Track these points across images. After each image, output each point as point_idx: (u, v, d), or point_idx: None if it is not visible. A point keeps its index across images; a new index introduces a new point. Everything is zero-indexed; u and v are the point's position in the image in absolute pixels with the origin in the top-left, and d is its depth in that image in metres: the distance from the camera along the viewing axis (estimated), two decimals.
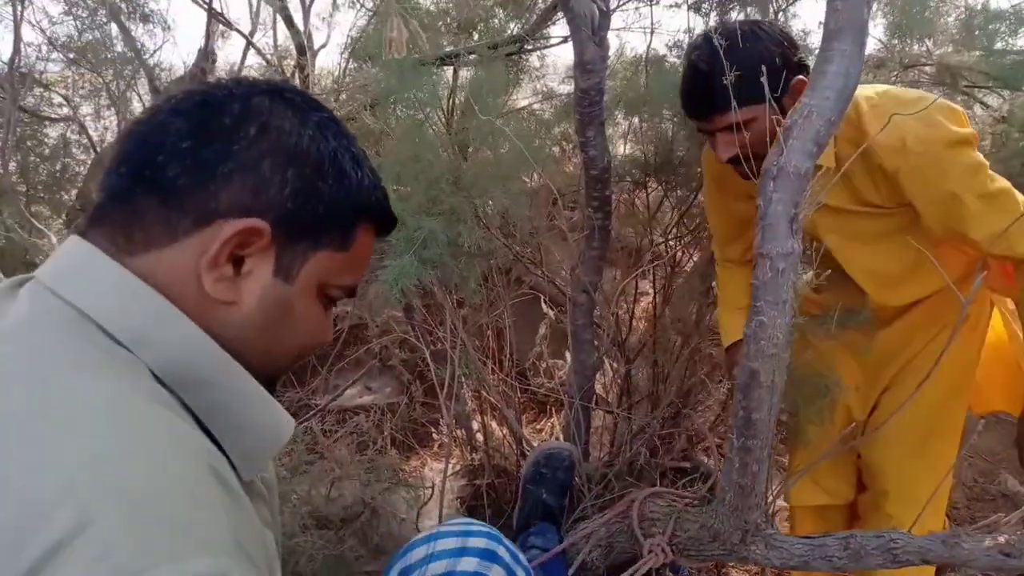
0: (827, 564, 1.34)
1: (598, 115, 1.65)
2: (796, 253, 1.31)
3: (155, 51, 2.76)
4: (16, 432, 0.49)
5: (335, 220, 0.69)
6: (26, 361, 0.54)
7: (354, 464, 1.71)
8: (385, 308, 2.74)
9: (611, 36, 1.65)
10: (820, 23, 1.42)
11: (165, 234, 0.61)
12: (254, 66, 2.99)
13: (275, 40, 2.73)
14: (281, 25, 2.65)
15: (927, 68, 3.14)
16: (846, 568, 1.34)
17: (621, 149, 2.34)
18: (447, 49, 2.14)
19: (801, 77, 1.41)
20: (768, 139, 1.29)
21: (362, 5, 2.65)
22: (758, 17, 2.18)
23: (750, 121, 1.35)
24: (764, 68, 1.26)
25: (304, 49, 2.48)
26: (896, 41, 3.04)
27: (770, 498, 1.46)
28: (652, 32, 2.29)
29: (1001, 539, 1.17)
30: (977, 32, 3.42)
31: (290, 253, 0.66)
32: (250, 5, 3.26)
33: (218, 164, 0.62)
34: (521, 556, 1.21)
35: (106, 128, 2.95)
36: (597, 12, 1.55)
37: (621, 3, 2.27)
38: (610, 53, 1.68)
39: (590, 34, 1.55)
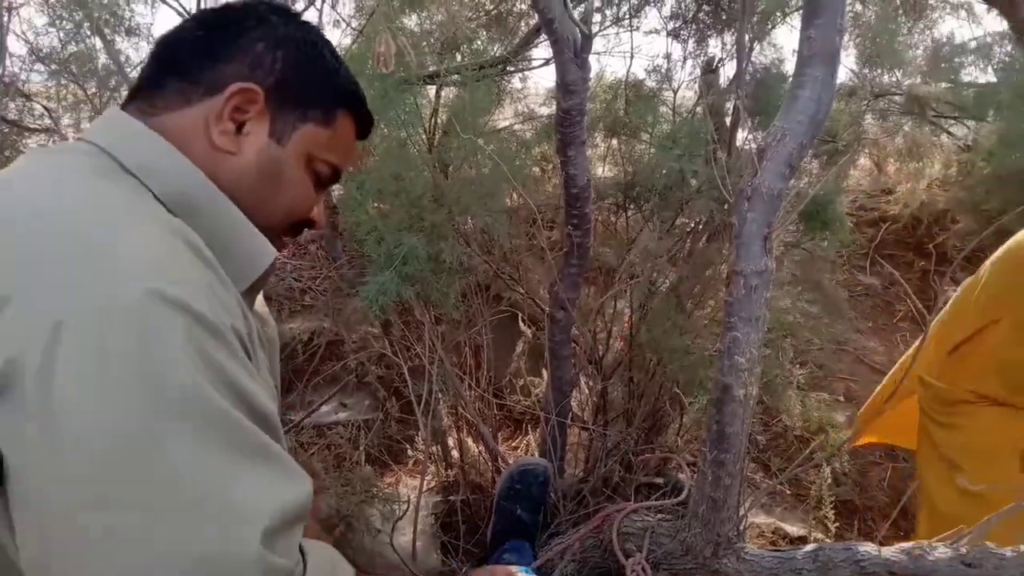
0: None
1: (579, 135, 1.68)
2: (769, 271, 1.35)
3: (139, 64, 2.76)
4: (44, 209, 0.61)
5: (318, 96, 0.83)
6: (56, 168, 0.68)
7: (329, 477, 1.70)
8: (362, 324, 2.75)
9: (592, 59, 1.69)
10: (794, 51, 1.48)
11: (181, 101, 0.76)
12: None
13: None
14: None
15: (896, 97, 3.24)
16: None
17: (600, 171, 2.38)
18: (431, 69, 2.17)
19: None
20: None
21: (348, 24, 2.68)
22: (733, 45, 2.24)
23: None
24: None
25: None
26: (867, 71, 3.14)
27: (742, 512, 1.48)
28: (632, 57, 2.35)
29: (963, 550, 1.21)
30: (944, 64, 3.55)
31: (282, 120, 0.80)
32: None
33: (223, 47, 0.78)
34: None
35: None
36: (579, 35, 1.59)
37: (603, 28, 2.33)
38: (591, 75, 1.72)
39: (572, 56, 1.59)
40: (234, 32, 0.79)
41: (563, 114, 1.65)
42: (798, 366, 2.02)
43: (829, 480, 2.16)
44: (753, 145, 1.77)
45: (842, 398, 2.81)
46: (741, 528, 1.48)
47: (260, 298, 0.90)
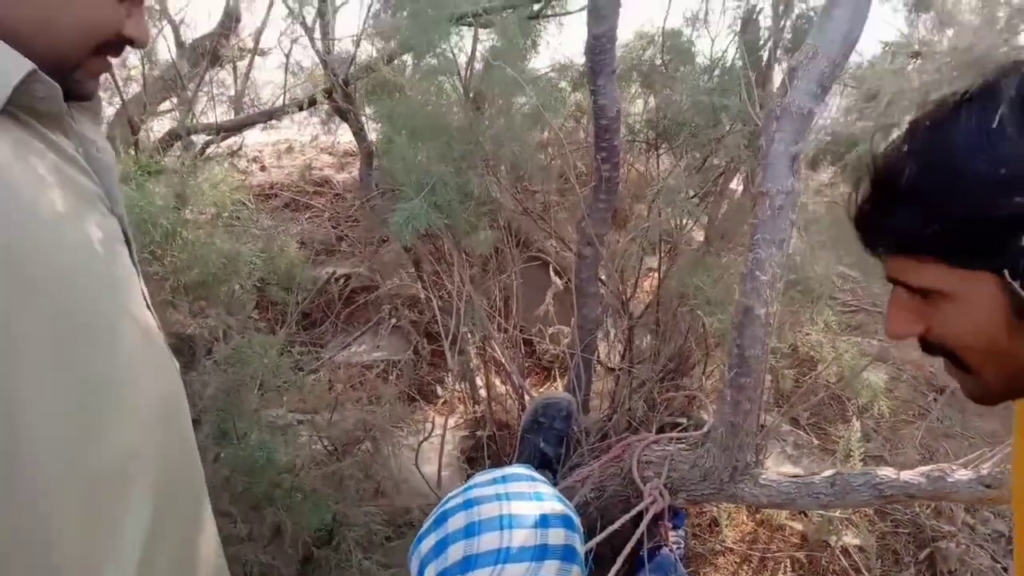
0: (814, 501, 1.36)
1: (609, 63, 1.67)
2: (796, 192, 1.34)
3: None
4: None
5: None
6: None
7: (359, 390, 1.75)
8: (396, 270, 2.79)
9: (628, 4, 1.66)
10: None
11: None
12: (277, 18, 3.04)
13: None
14: None
15: (945, 60, 3.13)
16: (832, 505, 1.36)
17: (632, 113, 2.36)
18: (466, 8, 2.17)
19: None
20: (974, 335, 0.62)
21: None
22: None
23: (938, 292, 0.63)
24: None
25: None
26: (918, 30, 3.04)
27: (760, 440, 1.48)
28: (670, 2, 2.30)
29: (984, 471, 1.19)
30: (999, 27, 3.42)
31: None
32: None
33: None
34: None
35: (130, 78, 3.02)
36: None
37: None
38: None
39: None
40: None
41: (593, 40, 1.64)
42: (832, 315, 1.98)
43: (859, 434, 2.13)
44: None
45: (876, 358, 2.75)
46: (761, 457, 1.48)
47: (87, 121, 0.75)
